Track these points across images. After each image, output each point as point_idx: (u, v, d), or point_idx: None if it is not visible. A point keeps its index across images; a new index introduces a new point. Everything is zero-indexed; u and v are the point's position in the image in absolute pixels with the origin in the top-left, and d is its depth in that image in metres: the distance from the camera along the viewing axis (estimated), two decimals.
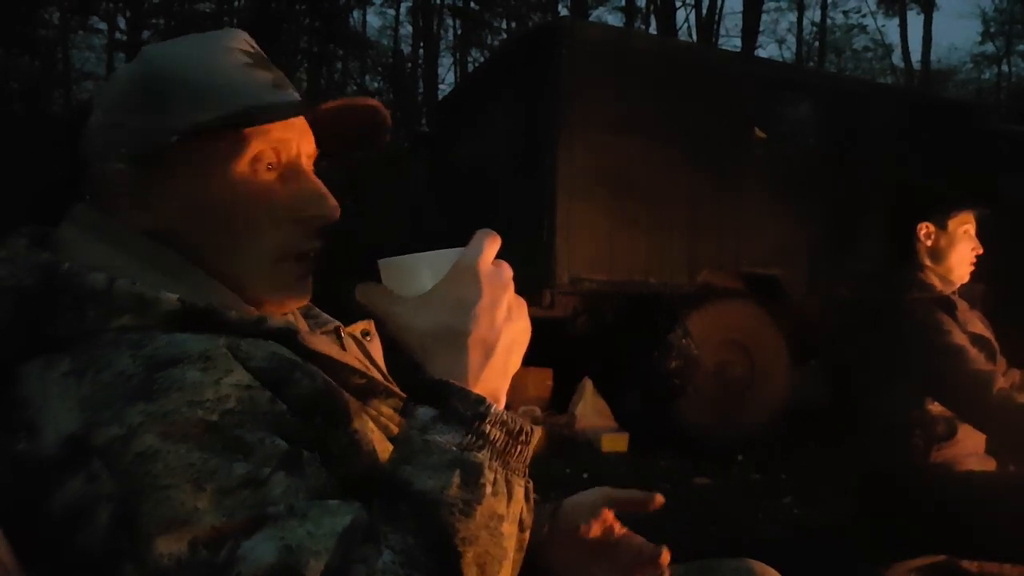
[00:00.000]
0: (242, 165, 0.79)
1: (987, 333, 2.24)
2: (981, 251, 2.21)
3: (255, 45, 0.86)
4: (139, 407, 0.64)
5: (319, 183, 0.84)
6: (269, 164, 0.80)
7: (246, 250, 0.80)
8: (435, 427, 0.68)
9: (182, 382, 0.66)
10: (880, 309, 2.25)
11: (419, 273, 0.74)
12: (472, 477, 0.66)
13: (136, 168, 0.79)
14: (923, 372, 2.10)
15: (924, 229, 2.20)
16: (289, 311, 0.86)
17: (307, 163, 0.84)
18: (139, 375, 0.66)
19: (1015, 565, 2.10)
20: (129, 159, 0.79)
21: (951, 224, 2.19)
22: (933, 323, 2.09)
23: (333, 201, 0.83)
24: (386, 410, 0.80)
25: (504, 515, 0.67)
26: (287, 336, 0.76)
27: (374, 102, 0.86)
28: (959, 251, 2.19)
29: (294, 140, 0.82)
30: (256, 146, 0.79)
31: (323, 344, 0.79)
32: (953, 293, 2.21)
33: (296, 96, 0.84)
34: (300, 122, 0.83)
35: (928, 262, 2.21)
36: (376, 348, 0.97)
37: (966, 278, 2.22)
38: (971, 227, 2.20)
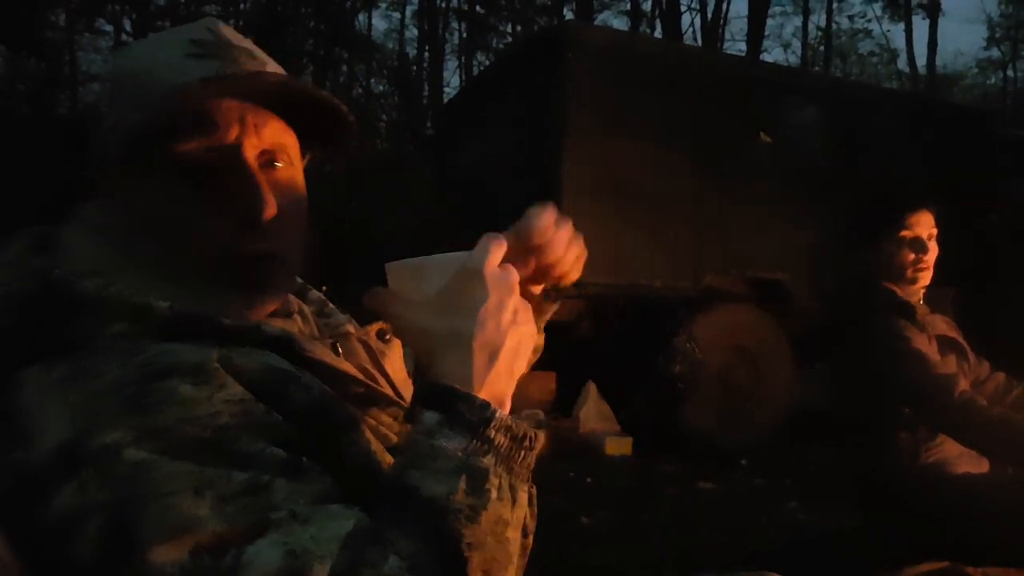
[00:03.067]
0: (174, 166, 0.75)
1: (953, 334, 2.28)
2: (934, 251, 2.23)
3: (223, 32, 0.82)
4: (132, 420, 0.63)
5: (253, 179, 0.77)
6: (200, 160, 0.76)
7: (183, 252, 0.77)
8: (441, 432, 0.67)
9: (175, 397, 0.65)
10: (845, 320, 2.31)
11: (426, 276, 0.74)
12: (478, 483, 0.66)
13: (120, 169, 0.77)
14: (888, 379, 2.14)
15: (865, 252, 2.28)
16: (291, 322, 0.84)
17: (251, 157, 0.78)
18: (132, 385, 0.65)
19: (1020, 570, 2.09)
20: (113, 159, 0.77)
21: (885, 246, 2.24)
22: (893, 330, 2.13)
23: (266, 197, 0.77)
24: (386, 419, 0.79)
25: (509, 520, 0.67)
26: (284, 344, 0.75)
27: (291, 80, 0.79)
28: (899, 260, 2.22)
29: (233, 133, 0.77)
30: (185, 142, 0.75)
31: (322, 351, 0.78)
32: (917, 298, 2.25)
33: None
34: (246, 113, 0.78)
35: (883, 277, 2.26)
36: (395, 348, 0.95)
37: (920, 282, 2.25)
38: (907, 232, 2.22)
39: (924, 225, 2.23)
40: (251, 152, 0.78)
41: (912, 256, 2.21)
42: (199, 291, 0.77)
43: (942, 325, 2.28)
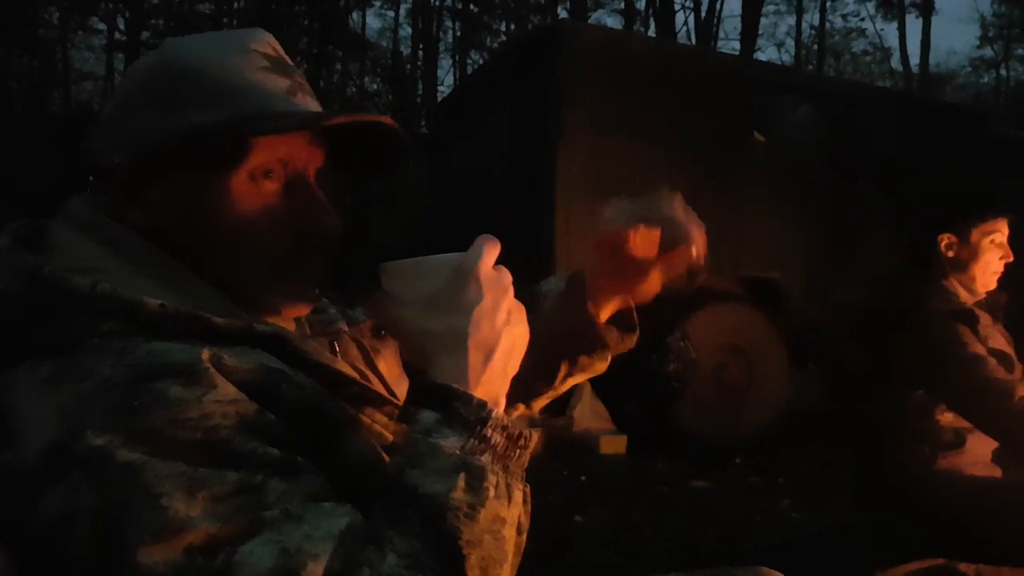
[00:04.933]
0: (244, 173, 0.77)
1: (1007, 348, 2.20)
2: (1011, 259, 2.18)
3: (279, 48, 0.83)
4: (122, 422, 0.63)
5: (323, 198, 0.81)
6: (269, 172, 0.78)
7: (241, 260, 0.78)
8: (439, 430, 0.68)
9: (165, 399, 0.64)
10: (899, 318, 2.21)
11: (420, 277, 0.74)
12: (476, 481, 0.66)
13: (139, 164, 0.77)
14: (941, 383, 2.08)
15: (945, 240, 2.18)
16: (287, 320, 0.84)
17: (314, 174, 0.82)
18: (121, 386, 0.65)
19: (1013, 568, 2.09)
20: (132, 154, 0.77)
21: (974, 235, 2.17)
22: (951, 335, 2.06)
23: (335, 217, 0.81)
24: (380, 418, 0.79)
25: (506, 518, 0.68)
26: (277, 342, 0.75)
27: (389, 121, 0.83)
28: (983, 261, 2.17)
29: (303, 151, 0.80)
30: (262, 154, 0.77)
31: (315, 350, 0.78)
32: (978, 304, 2.19)
33: (311, 106, 0.82)
34: (312, 134, 0.81)
35: (951, 272, 2.19)
36: (389, 346, 0.95)
37: (991, 286, 2.20)
38: (998, 235, 2.18)
39: (1003, 230, 2.18)
40: (313, 172, 0.82)
41: (996, 260, 2.17)
42: (245, 293, 0.79)
43: (1000, 338, 2.20)
